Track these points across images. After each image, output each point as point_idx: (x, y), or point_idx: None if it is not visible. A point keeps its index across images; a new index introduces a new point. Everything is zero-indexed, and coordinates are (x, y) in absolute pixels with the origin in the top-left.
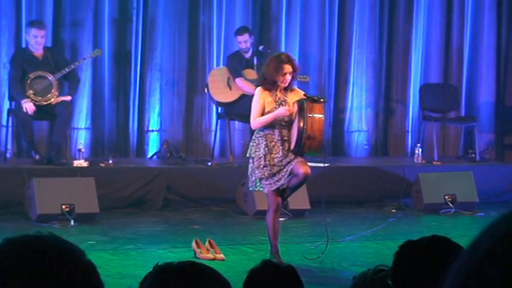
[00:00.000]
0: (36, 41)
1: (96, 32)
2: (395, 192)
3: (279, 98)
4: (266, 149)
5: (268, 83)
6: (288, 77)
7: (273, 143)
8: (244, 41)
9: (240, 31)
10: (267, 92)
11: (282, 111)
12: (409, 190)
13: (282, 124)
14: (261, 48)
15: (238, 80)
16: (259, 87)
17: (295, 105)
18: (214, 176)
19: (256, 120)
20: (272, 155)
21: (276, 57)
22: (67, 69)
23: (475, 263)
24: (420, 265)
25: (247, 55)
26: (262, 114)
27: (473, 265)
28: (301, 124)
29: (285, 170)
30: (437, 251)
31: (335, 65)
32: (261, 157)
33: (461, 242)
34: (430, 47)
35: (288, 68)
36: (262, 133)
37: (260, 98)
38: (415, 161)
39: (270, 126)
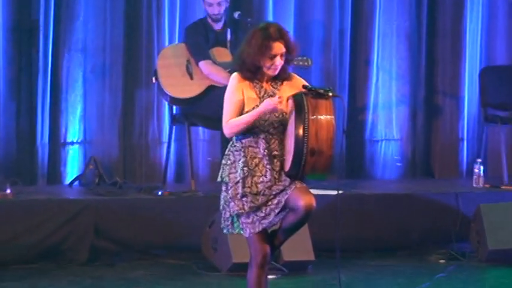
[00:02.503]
0: None
1: None
2: (445, 233)
3: (266, 92)
4: (246, 168)
5: (249, 70)
6: (279, 61)
7: (256, 160)
8: (217, 3)
9: None
10: (247, 83)
11: (268, 104)
12: (466, 230)
13: (270, 132)
14: (236, 15)
15: (203, 64)
16: (235, 74)
17: (291, 101)
18: (168, 211)
19: (230, 123)
20: (255, 179)
21: (260, 30)
22: None
23: None
24: None
25: (218, 26)
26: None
27: None
28: (300, 131)
29: (275, 201)
30: None
31: (349, 41)
32: (238, 182)
33: None
34: (495, 14)
35: (278, 47)
36: (239, 145)
37: (237, 90)
38: (474, 184)
39: (252, 135)
